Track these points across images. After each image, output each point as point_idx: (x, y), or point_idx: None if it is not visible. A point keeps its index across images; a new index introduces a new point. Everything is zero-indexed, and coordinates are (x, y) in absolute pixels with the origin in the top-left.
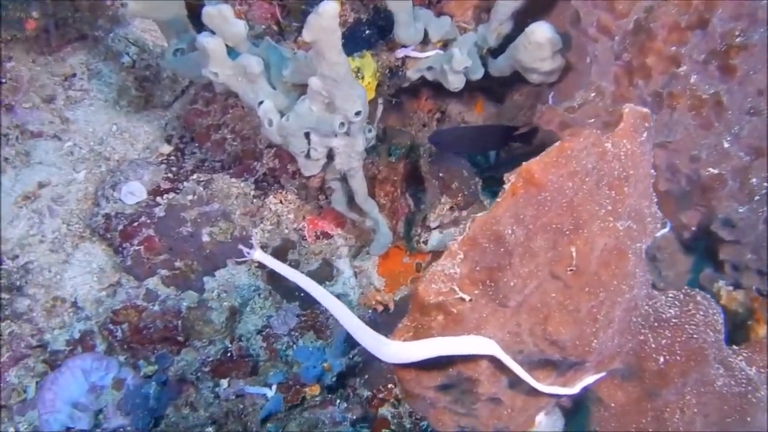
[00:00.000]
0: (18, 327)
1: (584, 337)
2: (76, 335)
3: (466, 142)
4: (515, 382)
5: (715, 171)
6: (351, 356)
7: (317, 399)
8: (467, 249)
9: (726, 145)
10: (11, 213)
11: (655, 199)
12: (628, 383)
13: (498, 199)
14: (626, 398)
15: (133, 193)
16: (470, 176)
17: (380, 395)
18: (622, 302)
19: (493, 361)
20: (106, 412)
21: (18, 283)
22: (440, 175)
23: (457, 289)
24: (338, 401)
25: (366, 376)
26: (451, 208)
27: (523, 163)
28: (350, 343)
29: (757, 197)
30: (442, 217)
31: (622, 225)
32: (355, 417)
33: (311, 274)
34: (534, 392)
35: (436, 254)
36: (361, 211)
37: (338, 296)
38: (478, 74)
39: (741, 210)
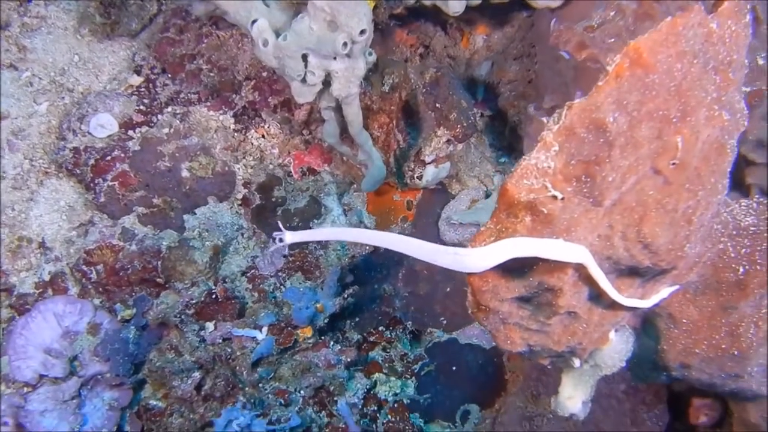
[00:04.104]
0: None
1: (678, 240)
2: (46, 277)
3: None
4: (595, 295)
5: (749, 89)
6: (345, 296)
7: (310, 341)
8: (563, 140)
9: (761, 62)
10: None
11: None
12: (702, 297)
13: (599, 83)
14: (699, 313)
15: (104, 125)
16: (469, 107)
17: (371, 338)
18: (714, 204)
19: (579, 269)
20: (81, 359)
21: None
22: (437, 105)
23: (550, 185)
24: (332, 343)
25: (357, 319)
26: (448, 141)
27: (630, 41)
28: (343, 282)
29: None
30: (438, 151)
31: (726, 115)
32: (349, 360)
33: (298, 212)
34: (612, 306)
35: (428, 191)
36: (352, 144)
37: None
38: None
39: None
